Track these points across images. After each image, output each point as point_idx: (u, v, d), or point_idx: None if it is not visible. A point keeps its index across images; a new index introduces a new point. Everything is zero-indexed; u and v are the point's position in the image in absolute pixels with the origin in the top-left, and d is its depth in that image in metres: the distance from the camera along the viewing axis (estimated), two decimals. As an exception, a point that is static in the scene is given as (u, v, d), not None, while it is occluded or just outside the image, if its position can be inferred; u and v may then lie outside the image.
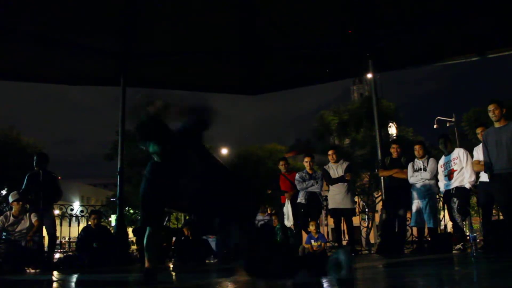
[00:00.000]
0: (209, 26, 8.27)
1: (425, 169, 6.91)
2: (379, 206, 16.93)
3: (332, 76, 10.12)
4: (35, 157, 7.40)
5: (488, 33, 8.01)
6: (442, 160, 6.91)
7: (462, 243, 6.78)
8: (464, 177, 6.53)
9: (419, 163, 7.01)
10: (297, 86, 11.09)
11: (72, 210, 9.20)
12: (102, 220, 8.22)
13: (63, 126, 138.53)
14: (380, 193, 17.57)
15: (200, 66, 9.52)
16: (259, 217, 9.61)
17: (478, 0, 7.42)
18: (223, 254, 7.97)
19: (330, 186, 7.51)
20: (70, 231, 8.83)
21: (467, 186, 6.52)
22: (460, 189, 6.53)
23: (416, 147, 7.21)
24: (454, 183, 6.60)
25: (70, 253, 9.12)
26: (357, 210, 8.44)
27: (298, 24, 8.33)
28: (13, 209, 6.85)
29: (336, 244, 7.93)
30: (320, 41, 8.78)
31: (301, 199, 7.50)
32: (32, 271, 6.31)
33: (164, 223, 9.51)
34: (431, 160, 6.99)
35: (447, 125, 25.53)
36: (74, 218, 9.16)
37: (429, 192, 6.88)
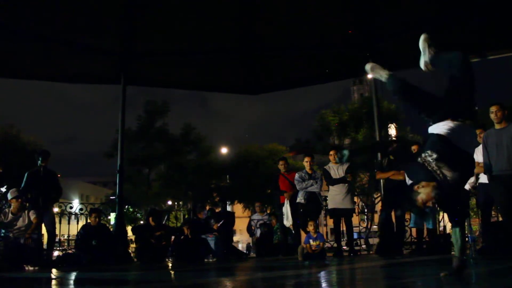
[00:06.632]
0: (209, 25, 8.27)
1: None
2: (378, 207, 16.94)
3: (333, 76, 10.12)
4: (39, 155, 7.39)
5: (488, 35, 8.00)
6: (442, 161, 6.89)
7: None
8: (463, 178, 6.51)
9: None
10: (298, 85, 11.09)
11: (71, 208, 9.19)
12: (102, 218, 8.21)
13: (63, 124, 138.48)
14: (379, 194, 17.60)
15: (201, 65, 9.52)
16: (258, 216, 9.62)
17: (478, 1, 7.42)
18: (222, 253, 7.97)
19: (330, 186, 7.50)
20: (69, 229, 8.83)
21: (467, 187, 6.50)
22: (459, 190, 6.52)
23: (414, 147, 7.17)
24: (454, 184, 6.59)
25: (70, 251, 9.12)
26: (356, 210, 8.43)
27: (299, 24, 8.33)
28: (11, 206, 6.84)
29: (335, 245, 7.93)
30: (321, 41, 8.78)
31: (300, 199, 7.49)
32: (31, 268, 6.31)
33: (164, 222, 9.51)
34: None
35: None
36: (73, 216, 9.15)
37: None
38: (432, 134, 3.12)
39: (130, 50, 8.75)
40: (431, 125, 3.21)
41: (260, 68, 9.67)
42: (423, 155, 3.00)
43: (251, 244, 14.52)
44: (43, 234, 7.29)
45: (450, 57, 3.33)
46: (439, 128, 3.10)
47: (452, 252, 6.69)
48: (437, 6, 7.62)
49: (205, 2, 7.88)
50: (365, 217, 25.58)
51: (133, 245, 10.00)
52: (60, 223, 8.37)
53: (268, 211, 11.01)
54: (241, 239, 32.64)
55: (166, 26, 8.27)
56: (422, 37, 3.49)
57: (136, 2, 7.80)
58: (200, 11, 7.94)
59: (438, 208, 7.63)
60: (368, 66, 3.57)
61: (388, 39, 8.51)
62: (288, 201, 7.73)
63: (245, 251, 12.29)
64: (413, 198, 2.96)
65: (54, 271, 5.85)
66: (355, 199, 8.26)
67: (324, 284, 3.22)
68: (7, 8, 7.25)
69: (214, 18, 8.16)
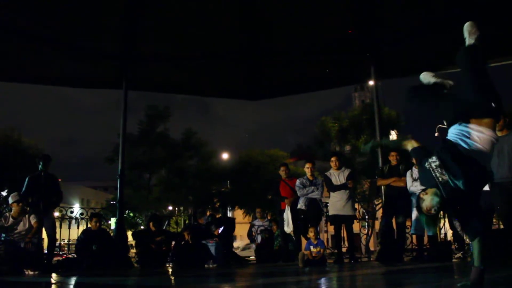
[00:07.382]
0: (211, 31, 8.31)
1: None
2: (379, 214, 16.92)
3: (334, 82, 10.14)
4: (40, 160, 7.40)
5: (490, 42, 8.02)
6: (443, 168, 6.87)
7: (462, 252, 6.76)
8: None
9: (417, 172, 6.98)
10: (299, 91, 11.11)
11: (72, 212, 9.19)
12: (102, 223, 8.21)
13: (64, 128, 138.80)
14: (380, 200, 17.57)
15: (202, 70, 9.55)
16: (259, 222, 9.61)
17: (481, 9, 7.44)
18: (222, 259, 7.96)
19: (331, 193, 7.49)
20: (69, 234, 8.82)
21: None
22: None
23: None
24: (455, 191, 6.57)
25: (70, 256, 9.11)
26: (357, 217, 8.41)
27: (301, 30, 8.36)
28: (12, 210, 6.84)
29: (335, 251, 7.91)
30: (322, 47, 8.80)
31: (301, 205, 7.49)
32: (31, 273, 6.30)
33: (164, 227, 9.51)
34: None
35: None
36: (74, 221, 9.16)
37: (430, 200, 6.85)
38: (443, 139, 3.08)
39: (132, 55, 8.79)
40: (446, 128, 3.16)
41: (261, 73, 9.69)
42: (429, 160, 2.99)
43: (248, 246, 14.45)
44: (43, 239, 7.29)
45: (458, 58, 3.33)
46: (452, 132, 3.05)
47: (456, 256, 6.70)
48: (439, 12, 7.63)
49: (206, 7, 7.91)
50: (366, 223, 25.54)
51: (133, 250, 9.99)
52: (60, 227, 8.36)
53: (269, 217, 10.99)
54: (241, 245, 32.57)
55: (168, 31, 8.30)
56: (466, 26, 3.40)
57: (138, 6, 7.84)
58: (201, 16, 7.97)
59: (440, 216, 7.65)
60: (422, 75, 3.54)
61: (390, 46, 8.53)
62: (289, 207, 7.72)
63: (242, 248, 12.21)
64: (420, 206, 2.95)
65: (54, 275, 5.84)
66: (356, 205, 8.25)
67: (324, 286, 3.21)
68: (7, 11, 7.29)
69: (215, 23, 8.20)
